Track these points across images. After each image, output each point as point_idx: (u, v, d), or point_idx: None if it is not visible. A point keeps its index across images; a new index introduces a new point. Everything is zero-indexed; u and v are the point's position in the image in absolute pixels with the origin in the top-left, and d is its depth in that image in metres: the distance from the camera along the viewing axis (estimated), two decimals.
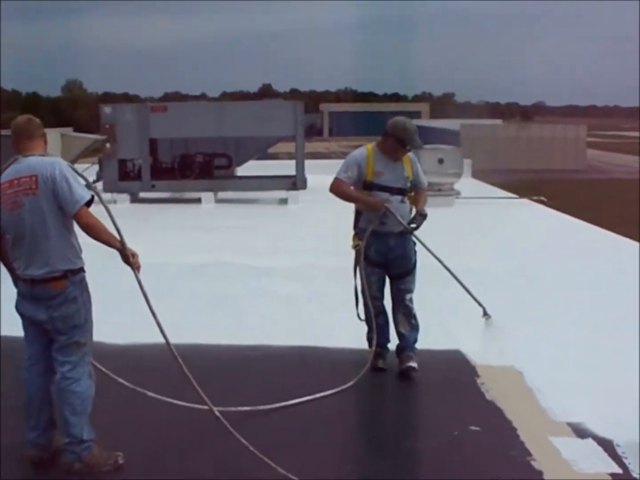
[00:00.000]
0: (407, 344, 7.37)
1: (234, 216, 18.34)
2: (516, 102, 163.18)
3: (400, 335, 7.40)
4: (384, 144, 7.27)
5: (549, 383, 6.98)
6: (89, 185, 5.34)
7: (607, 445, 5.72)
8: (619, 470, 5.34)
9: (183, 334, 8.45)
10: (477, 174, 26.79)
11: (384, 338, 7.48)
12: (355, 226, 7.43)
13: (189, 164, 20.89)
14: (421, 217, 7.29)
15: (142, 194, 20.98)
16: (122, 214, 18.16)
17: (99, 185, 21.40)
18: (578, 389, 6.87)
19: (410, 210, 7.39)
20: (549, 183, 31.36)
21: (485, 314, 8.42)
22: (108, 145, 20.28)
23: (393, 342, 7.49)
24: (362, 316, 7.48)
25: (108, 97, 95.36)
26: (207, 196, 20.32)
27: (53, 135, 18.10)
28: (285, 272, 11.69)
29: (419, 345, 7.43)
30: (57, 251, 5.15)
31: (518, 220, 18.17)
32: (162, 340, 8.02)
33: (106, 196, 19.90)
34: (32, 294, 5.21)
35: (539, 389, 6.85)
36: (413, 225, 7.30)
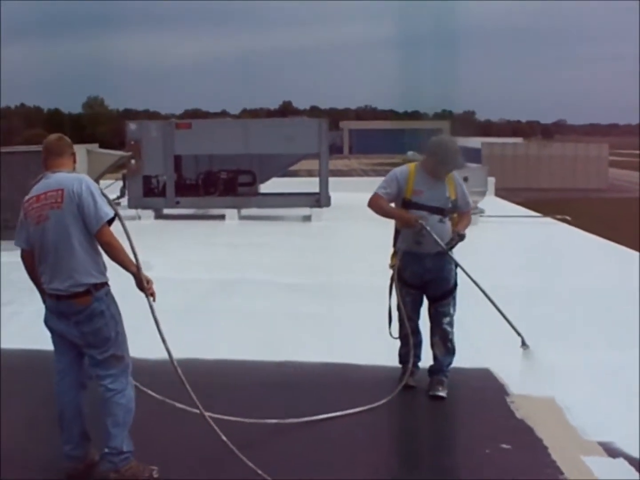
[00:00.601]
0: (439, 367, 7.35)
1: (258, 233, 18.40)
2: (537, 120, 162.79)
3: (434, 356, 7.39)
4: (426, 163, 7.22)
5: (579, 403, 6.97)
6: (111, 204, 5.36)
7: (638, 465, 5.70)
8: None
9: (209, 349, 8.55)
10: (499, 192, 26.76)
11: (415, 357, 7.45)
12: (395, 245, 7.41)
13: (213, 180, 20.97)
14: (458, 237, 7.21)
15: (166, 210, 21.08)
16: (147, 230, 18.63)
17: (123, 202, 21.59)
18: (607, 408, 6.85)
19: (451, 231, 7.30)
20: (571, 202, 31.33)
21: (523, 344, 7.86)
22: (133, 161, 20.39)
23: (425, 361, 7.51)
24: (395, 334, 7.46)
25: (129, 114, 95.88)
26: (230, 213, 20.40)
27: (79, 151, 18.14)
28: (310, 289, 11.73)
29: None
30: (80, 265, 5.18)
31: (543, 239, 18.12)
32: (192, 356, 8.22)
33: (131, 212, 20.07)
34: (58, 310, 5.26)
35: (569, 408, 6.84)
36: (447, 246, 7.18)
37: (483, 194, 20.07)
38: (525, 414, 6.71)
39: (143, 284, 5.33)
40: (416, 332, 7.44)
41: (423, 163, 7.26)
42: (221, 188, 20.89)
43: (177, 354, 8.10)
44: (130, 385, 5.37)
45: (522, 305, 10.34)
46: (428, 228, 7.07)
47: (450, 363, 7.37)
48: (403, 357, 7.53)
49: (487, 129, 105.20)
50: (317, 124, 20.79)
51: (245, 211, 20.81)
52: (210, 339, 9.06)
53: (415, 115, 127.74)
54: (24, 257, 5.46)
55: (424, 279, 7.27)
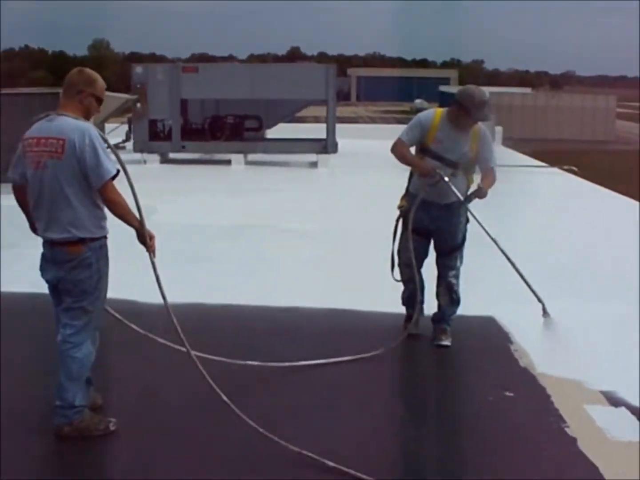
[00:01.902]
0: (443, 316, 7.34)
1: (265, 179, 18.39)
2: (546, 70, 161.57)
3: (438, 305, 7.37)
4: (451, 112, 6.98)
5: (583, 352, 7.01)
6: (117, 157, 5.21)
7: (639, 414, 5.73)
8: None
9: (215, 294, 8.58)
10: (507, 142, 26.64)
11: (414, 301, 7.38)
12: (407, 188, 7.30)
13: (220, 125, 20.91)
14: (478, 192, 6.98)
15: (172, 155, 21.03)
16: (152, 174, 18.57)
17: (129, 145, 21.54)
18: (609, 358, 6.88)
19: (468, 187, 7.16)
20: (578, 153, 31.18)
21: (544, 312, 7.61)
22: (139, 105, 20.29)
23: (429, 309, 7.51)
24: (398, 277, 7.41)
25: (135, 57, 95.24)
26: (237, 158, 20.36)
27: None
28: (316, 235, 11.73)
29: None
30: (77, 220, 5.03)
31: (549, 189, 18.08)
32: (197, 300, 8.25)
33: (136, 156, 20.02)
34: (51, 256, 5.13)
35: (573, 358, 6.87)
36: (465, 199, 7.03)
37: None
38: (529, 363, 6.74)
39: (146, 239, 5.22)
40: (413, 279, 7.30)
41: (449, 112, 7.02)
42: (227, 133, 20.83)
43: (182, 299, 8.24)
44: (89, 340, 5.20)
45: (524, 255, 10.37)
46: (446, 179, 6.91)
47: (454, 313, 7.36)
48: (405, 301, 7.51)
49: (495, 78, 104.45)
50: (325, 70, 20.68)
51: (251, 156, 20.77)
52: (214, 284, 9.08)
53: (423, 64, 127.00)
54: (16, 190, 5.27)
55: (429, 227, 7.16)
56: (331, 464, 4.81)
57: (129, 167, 5.33)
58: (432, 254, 7.40)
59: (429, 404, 6.12)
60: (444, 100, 46.46)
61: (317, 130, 21.37)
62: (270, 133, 22.52)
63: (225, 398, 5.30)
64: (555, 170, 21.16)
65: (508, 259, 7.46)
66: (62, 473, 5.00)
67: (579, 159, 26.08)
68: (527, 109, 44.81)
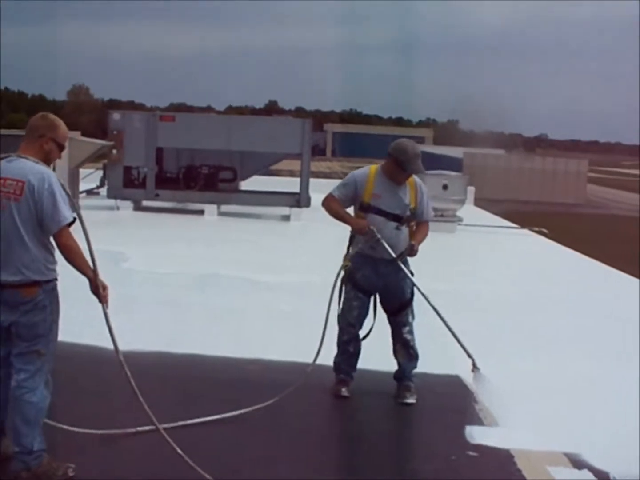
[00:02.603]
0: (404, 373, 7.29)
1: (237, 230, 18.41)
2: (520, 133, 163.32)
3: (398, 363, 7.31)
4: (386, 166, 7.05)
5: (546, 413, 7.01)
6: (73, 205, 5.17)
7: (602, 477, 5.73)
8: None
9: (183, 343, 8.54)
10: (479, 202, 26.88)
11: (351, 366, 7.30)
12: (349, 247, 7.23)
13: (194, 175, 20.93)
14: (410, 249, 7.01)
15: (146, 202, 21.01)
16: (125, 221, 18.55)
17: (103, 191, 21.51)
18: (572, 421, 6.87)
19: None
20: (549, 215, 31.49)
21: (474, 366, 7.16)
22: (114, 151, 20.30)
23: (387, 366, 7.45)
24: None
25: (114, 104, 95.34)
26: (210, 208, 20.37)
27: None
28: (287, 288, 11.72)
29: (418, 369, 7.39)
30: (31, 262, 5.00)
31: (519, 250, 18.27)
32: (162, 349, 8.22)
33: (109, 202, 20.00)
34: (3, 298, 5.03)
35: (537, 419, 6.87)
36: (395, 256, 6.97)
37: (462, 202, 20.18)
38: (493, 422, 6.74)
39: (99, 290, 5.16)
40: (356, 340, 7.25)
41: (383, 166, 7.09)
42: (202, 183, 20.84)
43: (149, 347, 8.22)
44: (43, 383, 5.14)
45: (492, 313, 10.48)
46: (379, 236, 6.92)
47: (414, 368, 7.31)
48: (337, 365, 7.32)
49: (470, 138, 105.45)
50: (301, 124, 20.81)
51: (224, 207, 20.78)
52: (181, 332, 9.04)
53: (399, 122, 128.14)
54: None
55: (376, 285, 7.12)
56: None
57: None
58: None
59: (390, 460, 6.07)
60: None
61: (291, 184, 21.46)
62: (245, 185, 22.56)
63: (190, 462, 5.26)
64: (526, 231, 21.36)
65: (439, 315, 7.15)
66: None
67: (550, 221, 26.33)
68: (500, 170, 45.21)
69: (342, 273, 7.15)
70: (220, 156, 20.99)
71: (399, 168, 6.94)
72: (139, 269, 12.63)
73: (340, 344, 7.26)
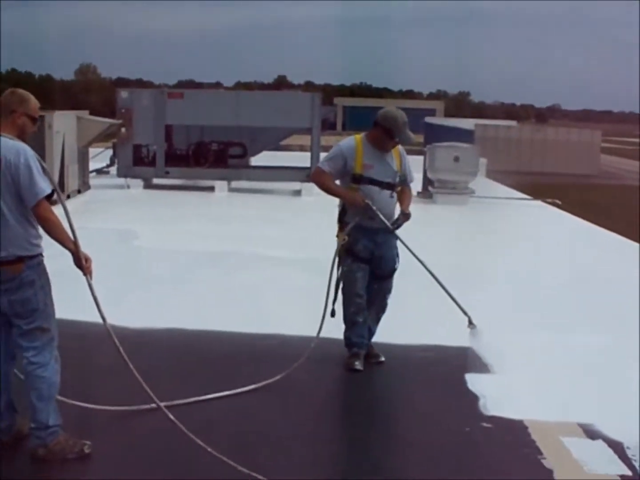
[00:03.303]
0: (370, 336, 7.46)
1: (248, 206, 18.36)
2: (532, 104, 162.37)
3: (368, 328, 7.42)
4: (373, 134, 7.11)
5: (557, 385, 6.99)
6: (50, 178, 5.13)
7: (617, 448, 5.72)
8: (629, 473, 5.34)
9: (196, 320, 8.54)
10: (491, 174, 26.74)
11: (363, 337, 7.33)
12: (341, 220, 7.23)
13: (204, 151, 20.88)
14: (405, 217, 7.16)
15: (156, 180, 20.99)
16: (135, 199, 18.54)
17: (113, 170, 21.51)
18: (586, 392, 6.86)
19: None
20: (562, 186, 31.29)
21: (470, 323, 7.46)
22: (123, 129, 20.25)
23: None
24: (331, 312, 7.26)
25: (122, 82, 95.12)
26: (220, 185, 20.31)
27: (69, 117, 18.09)
28: (300, 263, 11.68)
29: (432, 339, 7.59)
30: (13, 237, 5.00)
31: (532, 221, 18.15)
32: (176, 326, 8.23)
33: (120, 181, 19.99)
34: None
35: (548, 389, 6.85)
36: (394, 225, 7.13)
37: (474, 174, 20.05)
38: (506, 392, 6.72)
39: (81, 262, 5.14)
40: (363, 311, 7.29)
41: (369, 134, 7.14)
42: (211, 159, 20.81)
43: (162, 324, 8.23)
44: (53, 358, 5.18)
45: (500, 285, 10.45)
46: (375, 208, 6.99)
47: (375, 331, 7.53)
48: (348, 339, 7.34)
49: (481, 110, 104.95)
50: (310, 98, 20.71)
51: (235, 183, 20.73)
52: (195, 309, 9.03)
53: (409, 94, 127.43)
54: None
55: (375, 254, 7.20)
56: None
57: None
58: None
59: (404, 433, 6.07)
60: (429, 131, 46.62)
61: (302, 159, 21.38)
62: (255, 160, 22.51)
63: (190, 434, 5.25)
64: (539, 202, 21.25)
65: (434, 276, 7.48)
66: None
67: (563, 192, 26.17)
68: (512, 142, 44.95)
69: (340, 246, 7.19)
70: (230, 132, 20.92)
71: (388, 137, 7.03)
72: (151, 247, 12.63)
73: (348, 316, 7.28)
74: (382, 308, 7.43)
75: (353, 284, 7.19)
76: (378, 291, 7.35)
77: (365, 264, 7.20)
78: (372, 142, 7.11)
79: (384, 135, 7.03)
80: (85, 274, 5.19)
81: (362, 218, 7.06)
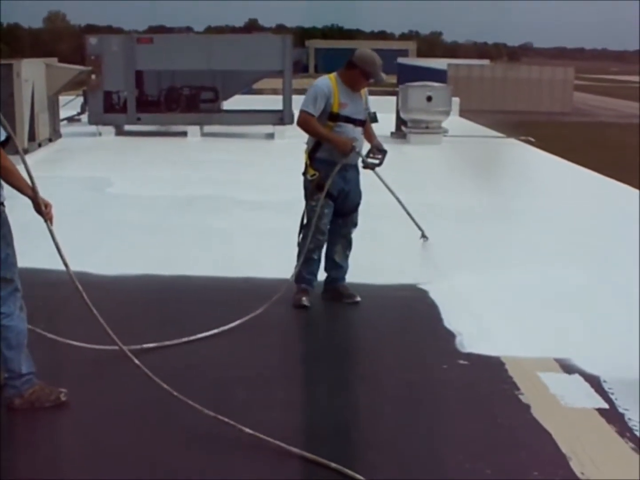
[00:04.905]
0: (342, 274, 7.50)
1: (221, 150, 18.21)
2: (504, 42, 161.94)
3: (336, 265, 7.46)
4: (347, 75, 7.15)
5: (529, 320, 7.04)
6: (5, 126, 4.99)
7: (593, 381, 5.76)
8: (606, 406, 5.38)
9: (171, 265, 8.50)
10: (464, 114, 26.69)
11: (314, 275, 7.44)
12: (312, 156, 7.26)
13: (176, 97, 20.64)
14: (382, 152, 7.34)
15: (128, 127, 20.76)
16: (107, 146, 18.36)
17: (84, 118, 21.25)
18: (560, 328, 6.89)
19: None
20: (535, 124, 31.31)
21: (423, 236, 8.52)
22: (93, 76, 19.96)
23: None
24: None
25: (91, 29, 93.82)
26: (193, 130, 20.13)
27: (38, 65, 17.79)
28: (273, 206, 11.62)
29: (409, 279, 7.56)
30: None
31: (506, 159, 18.12)
32: (149, 272, 8.19)
33: (91, 128, 19.77)
34: None
35: (525, 328, 6.89)
36: (376, 162, 7.36)
37: (447, 113, 19.95)
38: (484, 331, 6.74)
39: (41, 208, 5.04)
40: (321, 248, 7.41)
41: (342, 74, 7.17)
42: (183, 104, 20.57)
43: (137, 270, 8.19)
44: (18, 308, 5.11)
45: (482, 223, 10.45)
46: (358, 149, 7.17)
47: (347, 267, 7.52)
48: (299, 274, 7.39)
49: (453, 50, 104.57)
50: (281, 41, 20.48)
51: (207, 128, 20.56)
52: (169, 255, 8.99)
53: (381, 35, 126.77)
54: None
55: (344, 189, 7.27)
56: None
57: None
58: None
59: (383, 371, 6.07)
60: (402, 71, 46.44)
61: (274, 102, 21.21)
62: (227, 105, 22.29)
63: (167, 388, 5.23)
64: (513, 140, 21.24)
65: (393, 194, 8.17)
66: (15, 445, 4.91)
67: (537, 129, 26.20)
68: (485, 81, 44.88)
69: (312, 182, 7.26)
70: (201, 77, 20.67)
71: (363, 78, 7.11)
72: (124, 193, 12.54)
73: (305, 252, 7.31)
74: (348, 243, 7.46)
75: (319, 219, 7.21)
76: (343, 226, 7.41)
77: (333, 202, 7.24)
78: (345, 82, 7.15)
79: (360, 76, 7.10)
80: (45, 220, 5.10)
81: (335, 156, 7.11)
